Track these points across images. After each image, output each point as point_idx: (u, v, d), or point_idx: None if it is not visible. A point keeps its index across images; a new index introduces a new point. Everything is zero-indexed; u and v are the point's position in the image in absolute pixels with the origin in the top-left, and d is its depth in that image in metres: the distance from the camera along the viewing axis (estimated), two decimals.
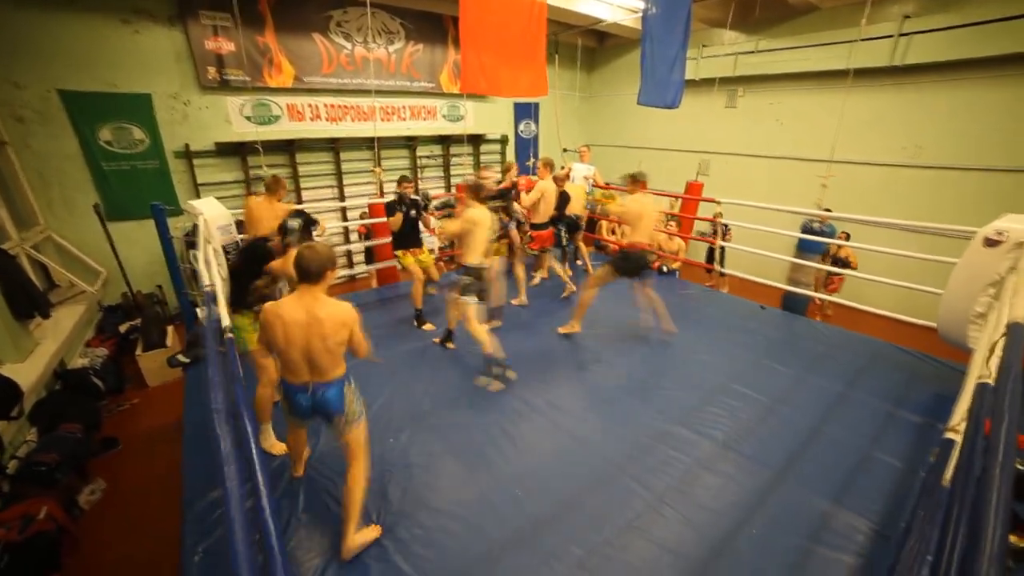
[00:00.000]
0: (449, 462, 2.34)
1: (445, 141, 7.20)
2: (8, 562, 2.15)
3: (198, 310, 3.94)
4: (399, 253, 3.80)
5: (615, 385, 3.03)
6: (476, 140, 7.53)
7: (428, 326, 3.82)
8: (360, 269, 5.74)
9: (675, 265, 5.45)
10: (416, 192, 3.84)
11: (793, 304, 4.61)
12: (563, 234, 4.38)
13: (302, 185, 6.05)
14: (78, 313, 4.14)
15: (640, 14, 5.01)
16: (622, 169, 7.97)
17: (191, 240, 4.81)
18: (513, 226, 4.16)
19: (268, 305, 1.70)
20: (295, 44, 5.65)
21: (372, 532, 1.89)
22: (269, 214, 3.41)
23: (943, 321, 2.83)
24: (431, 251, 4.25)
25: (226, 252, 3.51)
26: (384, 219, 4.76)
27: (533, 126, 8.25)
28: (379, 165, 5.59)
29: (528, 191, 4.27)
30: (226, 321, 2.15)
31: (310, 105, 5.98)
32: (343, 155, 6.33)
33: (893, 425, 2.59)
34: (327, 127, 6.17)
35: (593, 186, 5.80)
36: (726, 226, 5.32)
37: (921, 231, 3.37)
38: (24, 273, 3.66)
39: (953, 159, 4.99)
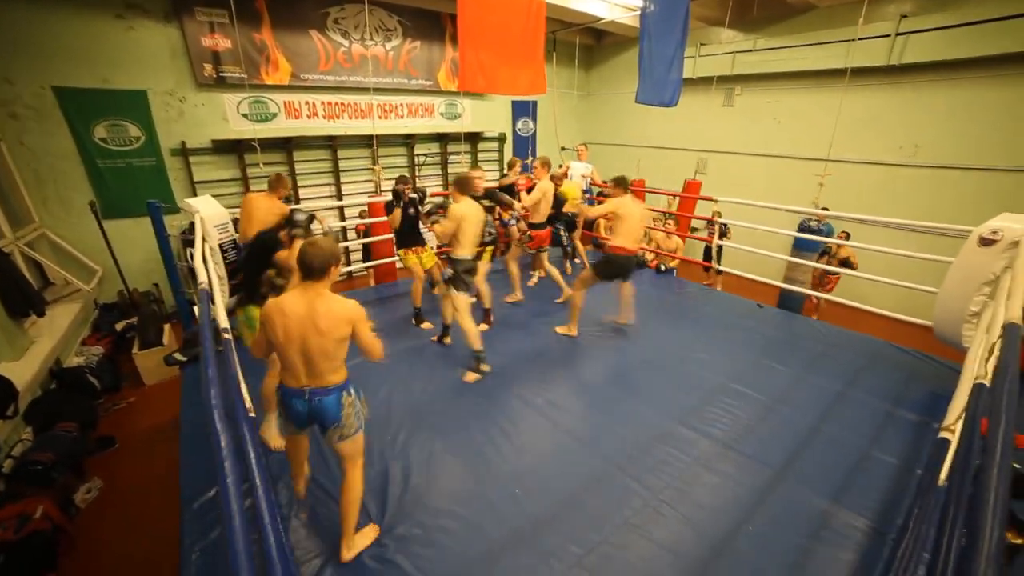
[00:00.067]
0: (448, 461, 2.34)
1: (443, 139, 7.18)
2: (4, 562, 2.14)
3: (195, 308, 3.93)
4: (401, 252, 3.79)
5: (614, 384, 3.04)
6: (474, 138, 7.51)
7: (426, 325, 3.81)
8: (358, 267, 5.72)
9: (673, 264, 5.46)
10: (414, 190, 3.82)
11: (789, 302, 4.63)
12: (562, 232, 4.39)
13: (299, 183, 6.02)
14: (74, 311, 4.12)
15: (638, 12, 5.00)
16: (620, 167, 7.98)
17: (188, 238, 4.79)
18: (514, 223, 4.16)
19: (271, 300, 1.66)
20: (292, 41, 5.61)
21: (370, 532, 1.89)
22: (266, 211, 3.38)
23: (938, 320, 2.85)
24: (434, 249, 4.24)
25: (223, 250, 3.49)
26: (382, 218, 4.79)
27: (531, 124, 8.23)
28: (377, 163, 5.58)
29: (528, 190, 4.26)
30: (223, 321, 2.14)
31: (307, 103, 5.95)
32: (341, 153, 6.31)
33: (891, 424, 2.60)
34: (324, 125, 6.14)
35: (591, 184, 5.80)
36: (725, 225, 5.33)
37: (919, 231, 3.38)
38: (18, 271, 3.62)
39: (951, 159, 5.01)
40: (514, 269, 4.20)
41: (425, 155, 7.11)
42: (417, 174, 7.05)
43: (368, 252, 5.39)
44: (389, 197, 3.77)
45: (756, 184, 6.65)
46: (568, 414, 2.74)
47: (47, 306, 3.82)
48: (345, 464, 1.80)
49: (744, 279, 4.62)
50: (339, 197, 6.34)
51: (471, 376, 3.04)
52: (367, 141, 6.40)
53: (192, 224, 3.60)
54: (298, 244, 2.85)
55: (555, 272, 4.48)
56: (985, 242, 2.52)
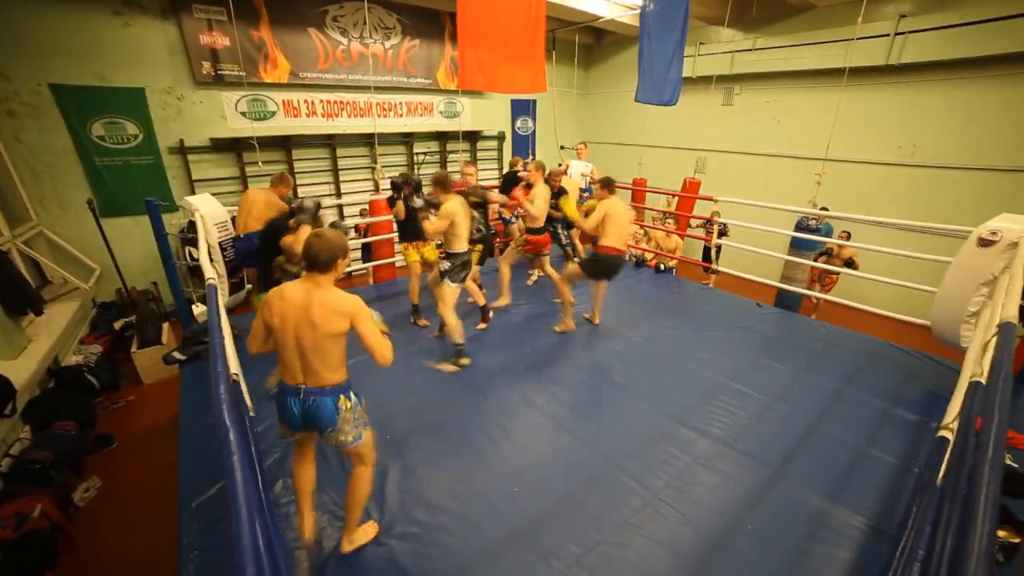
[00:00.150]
0: (447, 459, 2.35)
1: (442, 138, 7.17)
2: (2, 560, 2.14)
3: (193, 307, 3.93)
4: (402, 247, 3.80)
5: (613, 383, 3.04)
6: (473, 137, 7.50)
7: (423, 322, 3.82)
8: (357, 266, 5.71)
9: (672, 263, 5.46)
10: (406, 181, 3.81)
11: (786, 301, 4.64)
12: (561, 231, 4.38)
13: (298, 182, 6.00)
14: (72, 310, 4.10)
15: (638, 11, 5.00)
16: (620, 166, 7.99)
17: (186, 237, 4.79)
18: (514, 221, 4.15)
19: (275, 288, 1.62)
20: (290, 39, 5.60)
21: (370, 529, 1.89)
22: (264, 205, 3.38)
23: (937, 320, 2.86)
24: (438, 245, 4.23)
25: (222, 248, 3.49)
26: (382, 218, 4.80)
27: (530, 123, 8.22)
28: (377, 162, 5.58)
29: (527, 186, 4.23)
30: (224, 316, 2.14)
31: (306, 101, 5.93)
32: (340, 152, 6.30)
33: (890, 423, 2.61)
34: (323, 123, 6.13)
35: (591, 183, 5.80)
36: (724, 224, 5.34)
37: (919, 231, 3.39)
38: (16, 269, 3.61)
39: (950, 159, 5.02)
40: (505, 272, 4.02)
41: (424, 154, 7.10)
42: (417, 173, 7.04)
43: (368, 251, 5.39)
44: (389, 193, 3.78)
45: (755, 183, 6.66)
46: (567, 413, 2.74)
47: (45, 305, 3.82)
48: (353, 462, 1.77)
49: (740, 278, 4.63)
50: (338, 195, 6.33)
51: (448, 367, 3.11)
52: (366, 140, 6.39)
53: (191, 223, 3.59)
54: (304, 231, 2.91)
55: (555, 275, 4.45)
56: (984, 243, 2.53)
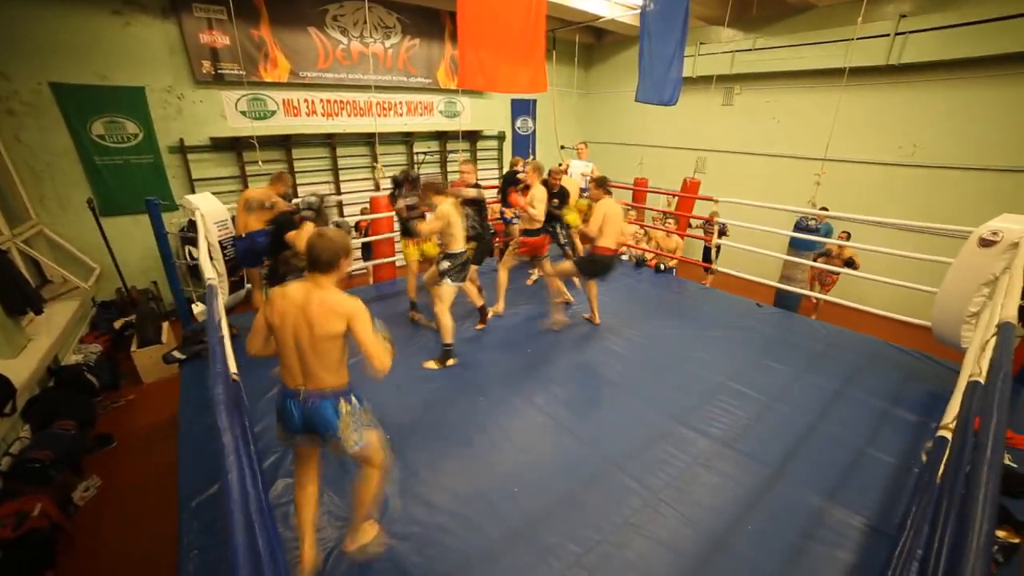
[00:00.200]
0: (446, 459, 2.34)
1: (442, 137, 7.17)
2: (2, 559, 2.14)
3: (193, 307, 3.93)
4: (403, 243, 3.81)
5: (613, 383, 3.04)
6: (473, 136, 7.50)
7: (418, 317, 3.86)
8: (358, 265, 5.72)
9: (672, 263, 5.46)
10: (407, 178, 3.81)
11: (785, 301, 4.64)
12: (560, 231, 4.37)
13: (299, 181, 6.01)
14: (72, 309, 4.10)
15: (638, 11, 4.99)
16: (620, 166, 7.99)
17: (186, 236, 4.79)
18: (516, 221, 4.14)
19: (278, 286, 1.60)
20: (290, 38, 5.60)
21: (372, 529, 1.87)
22: (262, 201, 3.39)
23: (937, 321, 2.86)
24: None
25: (222, 247, 3.49)
26: (383, 215, 4.80)
27: (531, 123, 8.22)
28: (377, 161, 5.58)
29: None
30: (224, 319, 2.14)
31: (306, 100, 5.93)
32: (340, 151, 6.30)
33: (889, 423, 2.61)
34: (323, 122, 6.13)
35: (589, 183, 5.80)
36: (724, 224, 5.34)
37: (919, 231, 3.39)
38: (16, 268, 3.61)
39: (951, 159, 5.02)
40: (503, 278, 3.93)
41: (424, 153, 7.10)
42: (417, 171, 7.04)
43: (368, 250, 5.39)
44: (390, 192, 3.79)
45: (755, 183, 6.66)
46: (567, 413, 2.74)
47: (45, 304, 3.81)
48: (361, 464, 1.73)
49: (739, 278, 4.62)
50: (338, 194, 6.33)
51: (433, 364, 3.14)
52: (366, 139, 6.39)
53: (191, 222, 3.60)
54: (307, 227, 2.93)
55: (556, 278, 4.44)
56: (985, 243, 2.53)
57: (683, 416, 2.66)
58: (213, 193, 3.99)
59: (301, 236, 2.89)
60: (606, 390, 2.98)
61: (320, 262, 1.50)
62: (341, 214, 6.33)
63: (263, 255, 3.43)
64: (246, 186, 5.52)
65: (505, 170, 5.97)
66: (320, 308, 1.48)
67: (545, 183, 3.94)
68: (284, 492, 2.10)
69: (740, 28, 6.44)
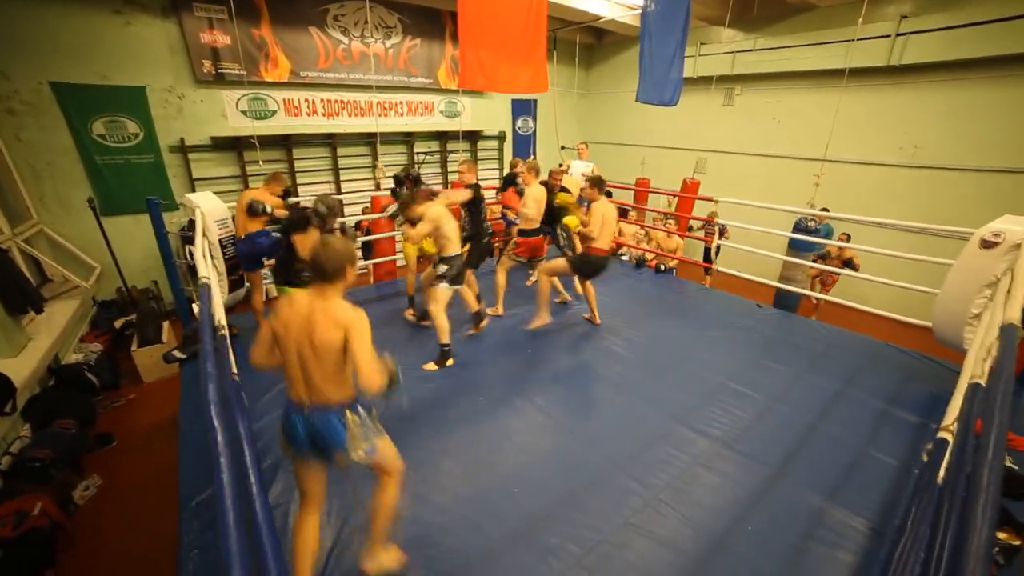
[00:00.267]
0: (446, 459, 2.34)
1: (442, 137, 7.17)
2: (2, 558, 2.14)
3: (194, 306, 3.93)
4: (403, 241, 3.83)
5: (613, 383, 3.04)
6: (474, 137, 7.50)
7: (412, 314, 3.87)
8: (359, 264, 5.72)
9: (672, 263, 5.46)
10: (409, 175, 3.82)
11: (785, 302, 4.64)
12: (561, 233, 4.37)
13: (299, 181, 6.01)
14: (72, 308, 4.11)
15: (639, 11, 4.99)
16: (621, 166, 7.99)
17: (187, 235, 4.78)
18: (518, 222, 4.12)
19: (286, 296, 1.57)
20: (291, 38, 5.60)
21: (395, 556, 1.74)
22: (253, 218, 3.37)
23: (938, 322, 2.85)
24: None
25: (222, 245, 3.49)
26: (383, 214, 4.79)
27: (531, 123, 8.22)
28: (378, 161, 5.58)
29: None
30: (220, 317, 2.14)
31: (306, 100, 5.93)
32: (340, 151, 6.30)
33: (889, 424, 2.61)
34: (324, 122, 6.13)
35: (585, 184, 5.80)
36: (723, 225, 5.33)
37: (920, 232, 3.38)
38: (16, 267, 3.61)
39: (952, 160, 5.02)
40: (501, 280, 3.89)
41: (425, 153, 7.10)
42: (417, 170, 7.04)
43: (368, 249, 5.39)
44: (390, 190, 3.80)
45: (755, 184, 6.66)
46: (567, 413, 2.74)
47: (45, 303, 3.82)
48: (377, 474, 1.66)
49: (738, 278, 4.62)
50: (339, 194, 6.32)
51: (432, 365, 3.13)
52: (367, 139, 6.39)
53: (191, 221, 3.59)
54: (312, 233, 2.94)
55: (557, 281, 4.42)
56: (987, 244, 2.53)
57: (683, 416, 2.66)
58: (214, 192, 3.99)
59: (305, 243, 2.91)
60: (606, 390, 2.97)
61: (324, 272, 1.47)
62: (342, 214, 6.33)
63: (264, 257, 3.44)
64: (247, 186, 5.52)
65: (505, 171, 5.98)
66: (322, 317, 1.45)
67: (545, 184, 3.94)
68: (283, 493, 2.10)
69: (741, 28, 6.43)
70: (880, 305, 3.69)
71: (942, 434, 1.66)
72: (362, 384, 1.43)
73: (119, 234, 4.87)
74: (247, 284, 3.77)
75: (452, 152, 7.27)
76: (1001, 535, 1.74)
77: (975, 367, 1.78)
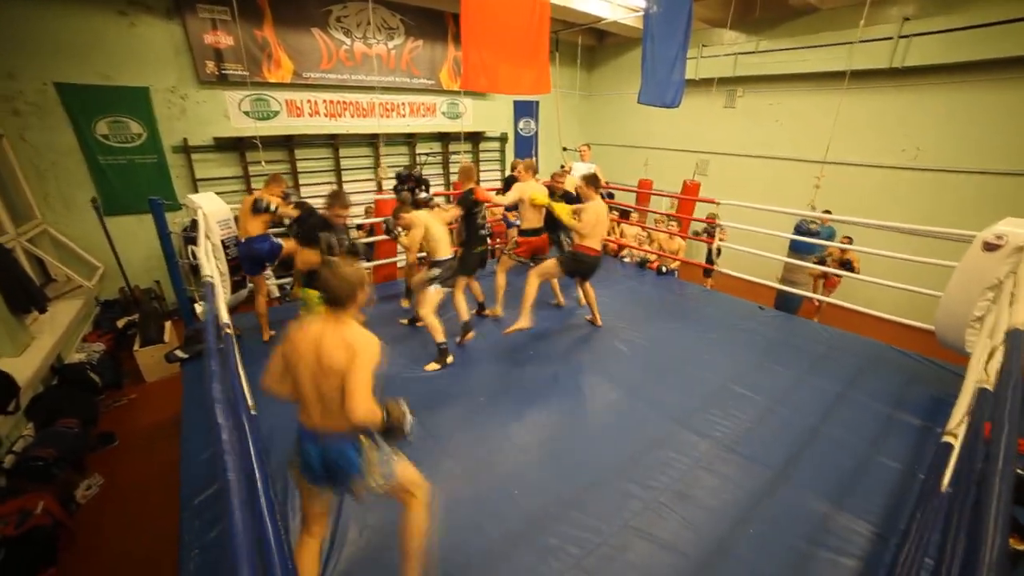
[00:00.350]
0: (446, 459, 2.34)
1: (444, 138, 7.18)
2: (4, 556, 2.15)
3: (196, 306, 3.94)
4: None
5: (614, 385, 3.03)
6: (475, 138, 7.51)
7: (405, 302, 3.93)
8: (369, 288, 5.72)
9: (674, 265, 5.45)
10: (412, 177, 3.85)
11: (786, 304, 4.63)
12: (564, 238, 4.36)
13: (301, 182, 6.02)
14: (75, 308, 4.12)
15: (641, 13, 5.00)
16: (622, 168, 7.99)
17: (189, 235, 4.79)
18: (517, 223, 4.12)
19: (296, 323, 1.52)
20: (294, 39, 5.61)
21: None
22: (257, 215, 3.38)
23: (941, 325, 2.84)
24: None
25: (224, 246, 3.50)
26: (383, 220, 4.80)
27: (533, 124, 8.22)
28: (380, 163, 5.58)
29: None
30: (224, 317, 2.14)
31: (309, 101, 5.95)
32: (342, 152, 6.31)
33: (892, 427, 2.60)
34: (326, 123, 6.14)
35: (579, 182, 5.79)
36: (722, 227, 5.32)
37: (922, 235, 3.37)
38: (20, 267, 3.63)
39: (953, 162, 5.00)
40: (501, 281, 3.85)
41: (427, 154, 7.11)
42: (419, 170, 7.05)
43: (370, 251, 5.39)
44: (393, 188, 3.81)
45: (757, 186, 6.65)
46: (568, 414, 2.74)
47: (49, 302, 3.83)
48: (400, 502, 1.59)
49: (740, 280, 4.61)
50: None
51: (434, 365, 3.15)
52: (369, 140, 6.41)
53: (194, 221, 3.61)
54: (306, 252, 3.06)
55: (555, 283, 4.40)
56: (989, 247, 2.51)
57: (684, 418, 2.65)
58: (216, 193, 4.01)
59: (306, 257, 3.10)
60: (607, 392, 2.97)
61: (335, 298, 1.45)
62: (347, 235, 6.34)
63: (265, 261, 3.44)
64: (249, 186, 5.54)
65: (507, 172, 5.97)
66: (331, 340, 1.41)
67: (549, 186, 3.95)
68: (281, 493, 2.10)
69: (743, 31, 6.43)
70: (885, 308, 3.68)
71: (947, 438, 1.65)
72: (347, 404, 1.34)
73: (122, 234, 4.89)
74: (249, 285, 3.77)
75: (454, 153, 7.28)
76: (1011, 542, 1.73)
77: (980, 371, 1.77)
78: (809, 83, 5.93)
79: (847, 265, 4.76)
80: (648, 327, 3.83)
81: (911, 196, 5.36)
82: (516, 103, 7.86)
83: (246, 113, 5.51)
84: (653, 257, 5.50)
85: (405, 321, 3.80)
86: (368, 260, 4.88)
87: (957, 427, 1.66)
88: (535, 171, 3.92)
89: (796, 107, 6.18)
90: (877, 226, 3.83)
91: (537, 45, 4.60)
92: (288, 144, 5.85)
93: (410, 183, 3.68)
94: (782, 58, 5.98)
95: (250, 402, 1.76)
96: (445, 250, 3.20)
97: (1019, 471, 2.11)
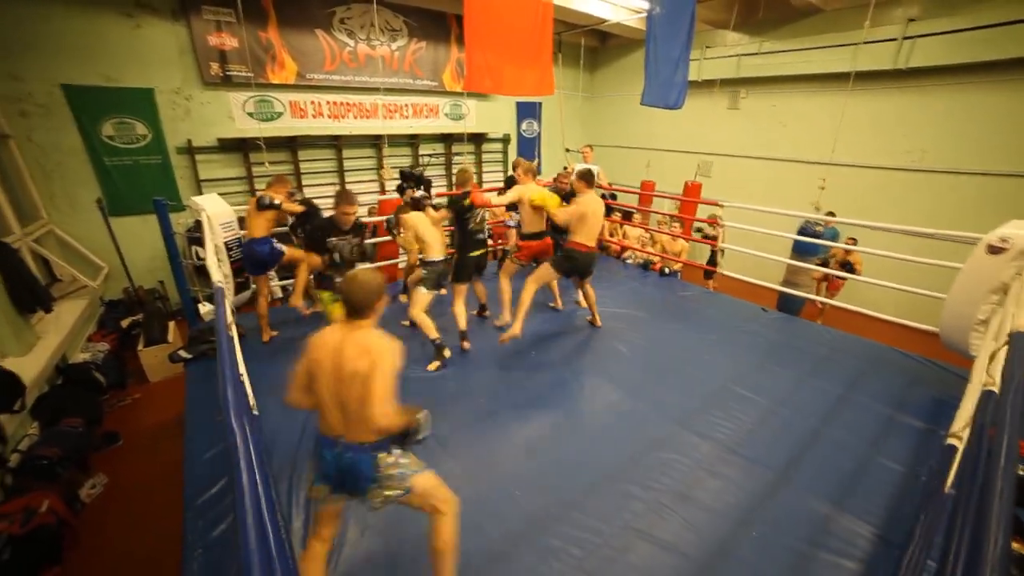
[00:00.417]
0: (447, 459, 2.34)
1: (447, 140, 7.19)
2: (10, 555, 2.16)
3: (199, 306, 3.96)
4: None
5: (616, 386, 3.03)
6: (478, 139, 7.52)
7: (404, 297, 4.00)
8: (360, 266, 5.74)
9: (676, 267, 5.45)
10: (414, 177, 3.86)
11: (788, 305, 4.61)
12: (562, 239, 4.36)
13: (304, 183, 6.04)
14: (80, 308, 4.14)
15: (644, 14, 5.00)
16: (624, 169, 7.99)
17: (193, 236, 4.83)
18: (514, 225, 4.12)
19: (318, 333, 1.52)
20: (298, 40, 5.64)
21: None
22: (262, 212, 3.41)
23: (945, 327, 2.83)
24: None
25: (228, 248, 3.52)
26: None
27: (535, 126, 8.23)
28: (384, 164, 5.60)
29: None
30: (230, 319, 2.15)
31: (312, 102, 5.97)
32: (345, 153, 6.33)
33: (894, 429, 2.59)
34: (329, 124, 6.17)
35: (596, 186, 5.79)
36: (721, 227, 5.31)
37: (928, 237, 3.35)
38: (26, 267, 3.66)
39: (954, 163, 4.98)
40: (505, 287, 3.70)
41: (429, 155, 7.13)
42: (422, 171, 7.07)
43: (374, 251, 5.41)
44: (395, 196, 3.82)
45: (760, 187, 6.63)
46: (569, 415, 2.74)
47: (54, 302, 3.86)
48: (426, 512, 1.57)
49: (743, 282, 4.60)
50: None
51: (435, 364, 3.16)
52: (372, 141, 6.43)
53: (197, 222, 3.63)
54: (314, 257, 3.17)
55: (554, 285, 4.38)
56: (994, 250, 2.50)
57: (686, 420, 2.65)
58: (220, 194, 4.03)
59: (311, 260, 3.29)
60: (609, 393, 2.97)
61: (355, 307, 1.45)
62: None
63: (266, 264, 3.46)
64: (252, 187, 5.57)
65: (509, 172, 5.97)
66: (351, 348, 1.41)
67: (553, 189, 3.95)
68: (294, 485, 2.10)
69: (746, 32, 6.42)
70: (887, 309, 3.66)
71: (951, 441, 1.65)
72: (369, 417, 1.35)
73: (126, 234, 4.92)
74: (252, 287, 3.79)
75: (457, 155, 7.29)
76: (1013, 544, 1.72)
77: (985, 374, 1.76)
78: (813, 84, 5.92)
79: (848, 266, 4.74)
80: (650, 328, 3.83)
81: (915, 198, 5.33)
82: (519, 104, 7.87)
83: (250, 114, 5.54)
84: (656, 259, 5.49)
85: (407, 323, 3.80)
86: (372, 261, 4.89)
87: (962, 430, 1.65)
88: (535, 174, 3.88)
89: (799, 108, 6.17)
90: (883, 228, 3.82)
91: (540, 46, 4.61)
92: (292, 145, 5.87)
93: (409, 182, 3.68)
94: (785, 59, 5.96)
95: (252, 402, 1.76)
96: (437, 251, 3.24)
97: (1022, 472, 2.11)
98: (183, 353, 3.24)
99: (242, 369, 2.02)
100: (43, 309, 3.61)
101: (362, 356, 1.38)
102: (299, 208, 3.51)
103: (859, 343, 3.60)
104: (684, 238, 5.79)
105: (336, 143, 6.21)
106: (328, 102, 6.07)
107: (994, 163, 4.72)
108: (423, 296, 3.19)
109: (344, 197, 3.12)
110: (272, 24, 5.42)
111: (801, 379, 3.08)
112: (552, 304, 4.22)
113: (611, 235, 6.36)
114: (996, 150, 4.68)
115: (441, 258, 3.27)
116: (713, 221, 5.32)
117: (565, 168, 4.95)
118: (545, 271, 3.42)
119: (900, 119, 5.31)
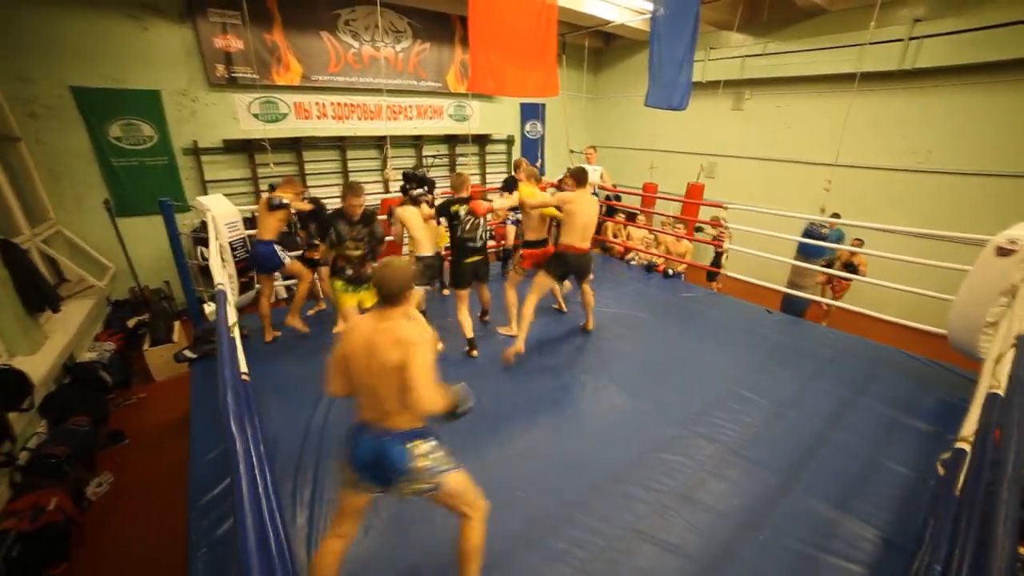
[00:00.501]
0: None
1: (451, 141, 7.21)
2: (20, 551, 2.18)
3: (204, 306, 3.99)
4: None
5: (619, 388, 3.03)
6: (482, 140, 7.53)
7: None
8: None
9: (681, 268, 5.43)
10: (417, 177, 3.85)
11: (792, 307, 4.59)
12: None
13: (309, 183, 6.07)
14: (87, 307, 4.18)
15: (648, 15, 4.99)
16: (628, 170, 7.98)
17: (199, 236, 4.86)
18: (512, 224, 4.10)
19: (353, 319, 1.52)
20: (303, 42, 5.67)
21: None
22: (273, 212, 3.43)
23: (954, 329, 2.81)
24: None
25: (233, 248, 3.54)
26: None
27: (539, 127, 8.24)
28: (388, 165, 5.62)
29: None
30: (233, 319, 2.17)
31: (317, 103, 6.00)
32: (350, 154, 6.36)
33: (900, 432, 2.57)
34: (334, 125, 6.19)
35: (599, 188, 5.79)
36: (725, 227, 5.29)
37: (935, 238, 3.33)
38: (35, 267, 3.69)
39: (964, 164, 4.94)
40: (511, 298, 3.58)
41: (433, 157, 7.14)
42: (425, 172, 7.09)
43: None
44: (400, 186, 3.82)
45: (765, 188, 6.60)
46: (572, 417, 2.74)
47: (62, 302, 3.89)
48: (454, 512, 1.56)
49: (748, 283, 4.58)
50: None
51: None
52: (376, 142, 6.45)
53: (203, 222, 3.65)
54: (301, 268, 3.26)
55: (556, 287, 4.37)
56: (1003, 252, 2.48)
57: (690, 422, 2.64)
58: (225, 195, 4.06)
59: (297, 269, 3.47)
60: (612, 395, 2.96)
61: (387, 293, 1.45)
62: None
63: (269, 265, 3.48)
64: (257, 188, 5.60)
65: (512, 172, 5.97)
66: (383, 338, 1.40)
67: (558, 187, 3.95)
68: (300, 484, 2.11)
69: (750, 33, 6.40)
70: (892, 311, 3.64)
71: (960, 444, 1.63)
72: (414, 404, 1.36)
73: (133, 235, 4.96)
74: (257, 287, 3.81)
75: (461, 155, 7.31)
76: (1021, 549, 1.70)
77: (992, 377, 1.75)
78: (818, 86, 5.89)
79: (851, 267, 4.71)
80: (654, 330, 3.82)
81: (921, 199, 5.29)
82: (523, 105, 7.88)
83: (255, 115, 5.58)
84: (660, 260, 5.48)
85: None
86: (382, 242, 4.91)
87: (971, 433, 1.64)
88: (538, 179, 3.83)
89: (804, 110, 6.14)
90: (890, 231, 3.79)
91: (545, 48, 4.61)
92: (296, 146, 5.90)
93: (412, 183, 3.67)
94: (790, 60, 5.94)
95: (254, 404, 1.77)
96: (427, 247, 3.30)
97: None
98: (188, 353, 3.26)
99: (244, 369, 2.03)
100: (51, 309, 3.64)
101: (394, 347, 1.38)
102: (308, 206, 3.55)
103: (864, 345, 3.58)
104: (688, 239, 5.78)
105: (340, 144, 6.23)
106: (332, 103, 6.10)
107: (994, 163, 4.68)
108: (416, 293, 3.23)
109: (351, 189, 3.12)
110: (277, 26, 5.46)
111: (805, 381, 3.06)
112: (555, 306, 4.22)
113: (615, 236, 6.35)
114: (996, 150, 4.65)
115: (431, 254, 3.30)
116: (715, 223, 5.30)
117: (569, 169, 4.94)
118: (542, 280, 3.34)
119: (902, 120, 5.28)
